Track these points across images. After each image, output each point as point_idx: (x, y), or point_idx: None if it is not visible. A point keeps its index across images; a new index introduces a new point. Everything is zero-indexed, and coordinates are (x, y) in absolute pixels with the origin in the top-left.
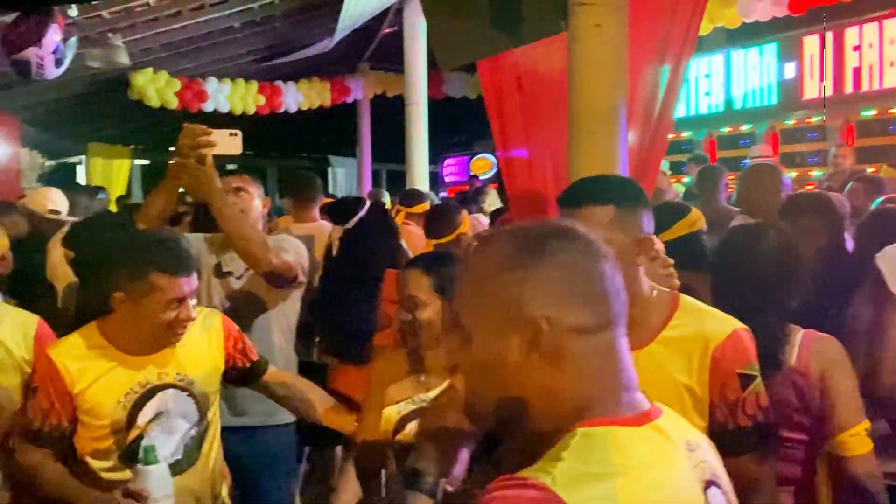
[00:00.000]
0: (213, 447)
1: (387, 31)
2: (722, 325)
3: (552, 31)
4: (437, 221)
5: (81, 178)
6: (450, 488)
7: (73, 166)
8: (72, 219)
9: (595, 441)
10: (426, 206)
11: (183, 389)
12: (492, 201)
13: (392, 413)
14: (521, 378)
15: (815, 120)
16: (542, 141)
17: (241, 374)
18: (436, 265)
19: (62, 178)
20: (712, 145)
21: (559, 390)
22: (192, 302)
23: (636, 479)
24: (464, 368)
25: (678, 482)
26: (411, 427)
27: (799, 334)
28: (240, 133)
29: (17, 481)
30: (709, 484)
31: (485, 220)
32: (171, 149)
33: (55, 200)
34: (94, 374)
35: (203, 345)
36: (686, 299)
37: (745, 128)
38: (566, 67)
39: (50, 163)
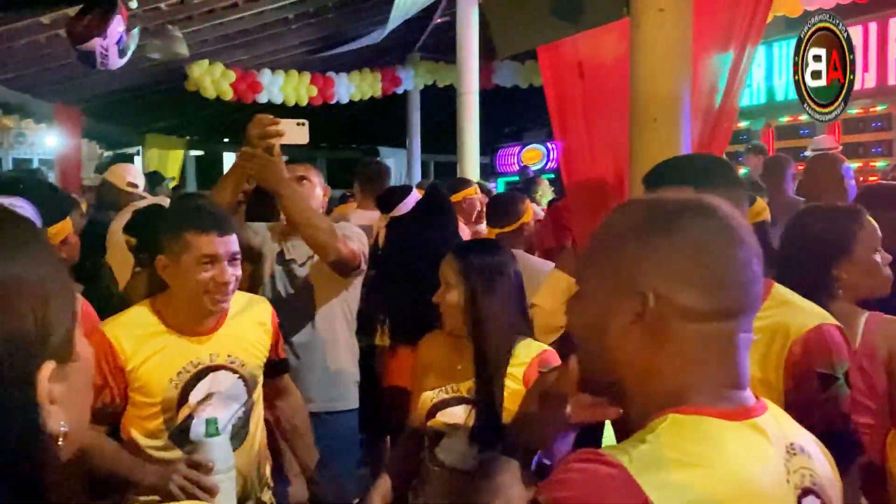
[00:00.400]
0: (259, 427)
1: (439, 21)
2: (808, 318)
3: (614, 17)
4: (500, 211)
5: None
6: (547, 462)
7: (130, 157)
8: (147, 195)
9: (683, 428)
10: (466, 192)
11: (234, 371)
12: (543, 192)
13: (427, 399)
14: (621, 349)
15: (879, 109)
16: (602, 128)
17: (268, 368)
18: (467, 251)
19: None
20: (770, 135)
21: (656, 370)
22: (231, 269)
23: (717, 473)
24: (573, 328)
25: (764, 484)
26: (442, 416)
27: (863, 317)
28: (307, 123)
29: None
30: (807, 492)
31: (539, 211)
32: (226, 140)
33: (133, 174)
34: (148, 352)
35: (252, 330)
36: (779, 289)
37: (804, 117)
38: (628, 53)
39: (108, 153)
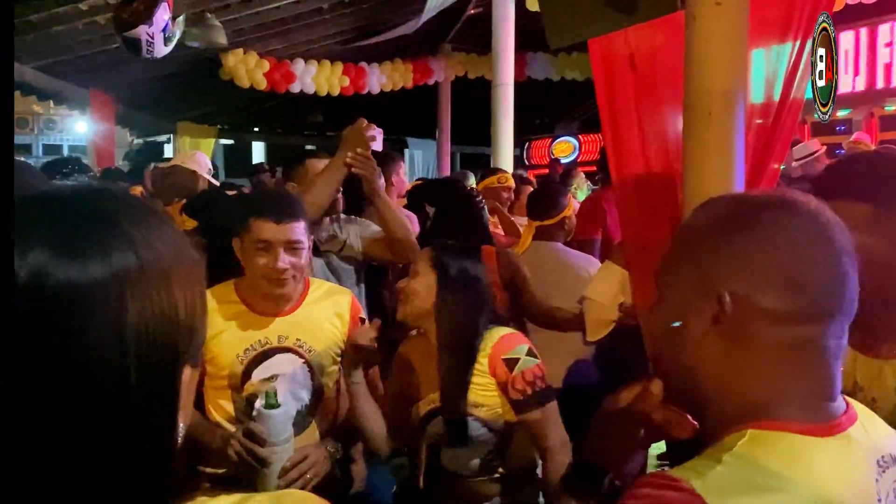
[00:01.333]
0: (325, 421)
1: (472, 12)
2: None
3: (669, 9)
4: (543, 203)
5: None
6: (618, 483)
7: (160, 144)
8: (216, 181)
9: (765, 447)
10: (488, 182)
11: (300, 356)
12: (578, 185)
13: (415, 411)
14: (699, 355)
15: None
16: (654, 122)
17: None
18: (444, 248)
19: (151, 156)
20: (807, 131)
21: (736, 379)
22: (288, 257)
23: (798, 497)
24: (653, 331)
25: (850, 500)
26: (431, 427)
27: None
28: (381, 132)
29: None
30: None
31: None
32: (255, 129)
33: (208, 161)
34: (221, 325)
35: (327, 319)
36: None
37: (841, 114)
38: (682, 45)
39: (138, 141)
